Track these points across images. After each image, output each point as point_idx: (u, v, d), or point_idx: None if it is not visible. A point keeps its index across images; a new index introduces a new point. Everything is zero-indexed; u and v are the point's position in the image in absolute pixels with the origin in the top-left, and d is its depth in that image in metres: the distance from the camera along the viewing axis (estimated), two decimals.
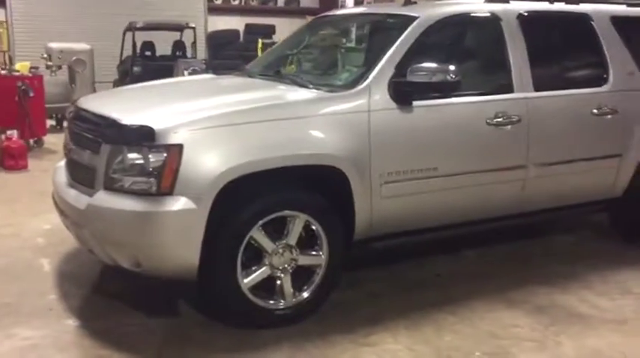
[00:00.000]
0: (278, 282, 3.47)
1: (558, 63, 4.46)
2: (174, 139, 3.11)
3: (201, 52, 13.92)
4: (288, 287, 3.47)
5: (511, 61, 4.11)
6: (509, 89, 4.09)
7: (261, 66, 4.61)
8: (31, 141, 8.49)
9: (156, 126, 3.14)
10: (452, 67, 3.57)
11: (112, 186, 3.23)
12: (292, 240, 3.44)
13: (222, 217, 3.21)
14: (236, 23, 15.06)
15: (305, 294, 3.51)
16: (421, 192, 3.78)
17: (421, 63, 3.64)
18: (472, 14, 4.19)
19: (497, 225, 4.31)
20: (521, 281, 4.16)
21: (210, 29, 15.22)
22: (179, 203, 3.10)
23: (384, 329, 3.48)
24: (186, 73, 10.83)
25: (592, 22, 4.55)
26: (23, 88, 8.43)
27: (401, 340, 3.38)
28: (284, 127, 3.36)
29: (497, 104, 4.00)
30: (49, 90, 9.49)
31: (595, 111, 4.39)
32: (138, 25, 12.42)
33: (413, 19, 3.90)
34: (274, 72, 4.20)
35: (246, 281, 3.34)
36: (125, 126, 3.24)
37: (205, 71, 10.45)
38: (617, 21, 4.62)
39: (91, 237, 3.36)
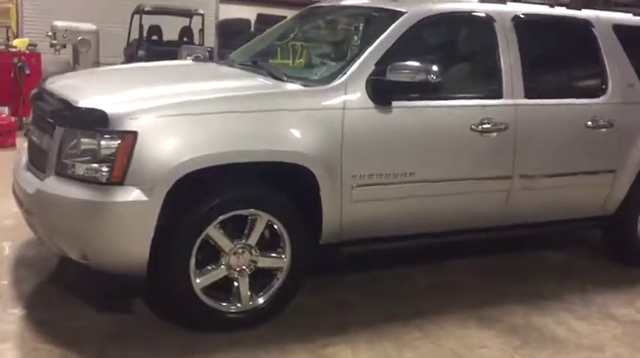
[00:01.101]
0: (235, 284, 3.28)
1: (553, 70, 4.24)
2: (128, 126, 2.93)
3: (210, 40, 13.75)
4: (245, 290, 3.29)
5: (502, 66, 3.89)
6: (498, 94, 3.87)
7: (244, 55, 4.41)
8: (24, 119, 8.36)
9: (110, 110, 2.96)
10: (434, 67, 3.37)
11: (62, 172, 3.05)
12: (252, 240, 3.26)
13: (177, 212, 3.04)
14: (248, 13, 14.87)
15: (261, 299, 3.32)
16: (396, 197, 3.58)
17: (404, 61, 3.44)
18: (464, 13, 3.97)
19: (479, 237, 4.13)
20: (500, 298, 3.96)
21: (221, 17, 15.06)
22: (129, 194, 2.92)
23: (345, 341, 3.28)
24: (188, 59, 10.65)
25: (593, 29, 4.32)
26: (20, 64, 8.34)
27: (359, 354, 3.19)
28: (248, 120, 3.16)
29: (483, 109, 3.78)
30: (49, 69, 9.34)
31: (589, 123, 4.16)
32: (146, 9, 12.27)
33: (400, 14, 3.69)
34: (253, 62, 4.00)
35: (198, 280, 3.16)
36: (79, 109, 3.06)
37: (209, 59, 10.27)
38: (620, 29, 4.39)
39: (38, 225, 3.19)
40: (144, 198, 2.93)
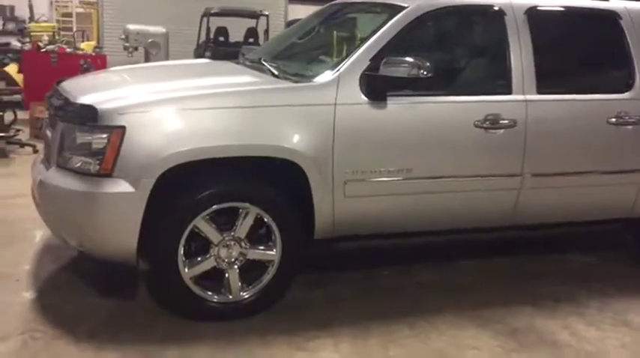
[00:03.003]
0: (226, 275, 3.37)
1: (573, 65, 4.05)
2: (116, 121, 3.07)
3: None
4: (235, 282, 3.36)
5: (512, 60, 3.76)
6: (507, 90, 3.75)
7: (259, 53, 4.49)
8: None
9: (99, 106, 3.11)
10: (426, 62, 3.31)
11: (62, 164, 3.24)
12: (241, 232, 3.33)
13: (165, 204, 3.15)
14: None
15: (251, 291, 3.39)
16: (392, 194, 3.56)
17: (402, 57, 3.40)
18: (470, 7, 3.87)
19: (486, 237, 4.02)
20: (507, 299, 3.84)
21: (290, 18, 15.26)
22: (117, 185, 3.06)
23: (330, 336, 3.30)
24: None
25: (620, 21, 4.09)
26: (85, 66, 8.80)
27: (342, 348, 3.19)
28: (233, 116, 3.23)
29: (488, 105, 3.68)
30: None
31: (613, 119, 3.95)
32: (213, 11, 12.64)
33: (401, 8, 3.65)
34: (259, 60, 4.08)
35: (188, 270, 3.27)
36: (74, 105, 3.24)
37: None
38: None
39: (43, 213, 3.40)
40: (131, 189, 3.06)
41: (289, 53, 4.31)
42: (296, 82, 3.50)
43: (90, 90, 3.43)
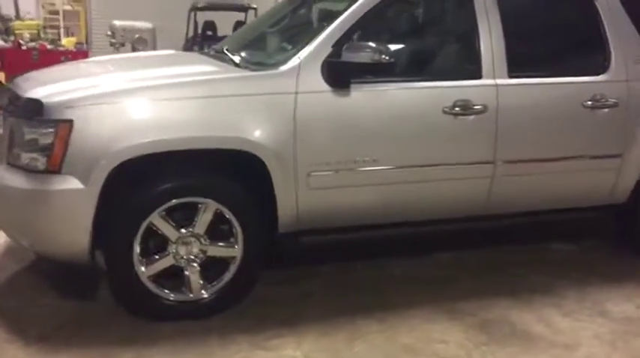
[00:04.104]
0: (187, 273, 3.25)
1: (544, 46, 3.90)
2: (63, 114, 2.95)
3: None
4: (195, 280, 3.25)
5: (481, 44, 3.63)
6: (477, 74, 3.62)
7: (225, 42, 4.36)
8: None
9: (45, 100, 2.99)
10: (387, 47, 3.19)
11: (12, 162, 3.11)
12: (201, 228, 3.21)
13: (118, 200, 3.03)
14: None
15: (211, 290, 3.27)
16: (358, 185, 3.43)
17: (365, 42, 3.27)
18: None
19: (459, 227, 3.89)
20: (483, 291, 3.72)
21: None
22: (65, 182, 2.94)
23: (293, 333, 3.18)
24: None
25: (595, 1, 3.95)
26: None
27: (304, 347, 3.07)
28: (190, 107, 3.10)
29: (457, 91, 3.55)
30: None
31: (588, 103, 3.82)
32: (199, 5, 12.50)
33: None
34: (222, 49, 3.95)
35: (144, 269, 3.15)
36: (21, 99, 3.12)
37: None
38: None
39: None
40: (80, 186, 2.94)
41: (256, 42, 4.19)
42: (255, 70, 3.38)
43: (39, 84, 3.30)
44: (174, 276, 3.27)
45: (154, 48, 12.05)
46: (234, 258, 3.30)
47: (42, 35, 11.30)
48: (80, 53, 9.03)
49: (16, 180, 3.03)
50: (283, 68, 3.29)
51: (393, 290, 3.72)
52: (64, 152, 2.94)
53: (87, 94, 3.05)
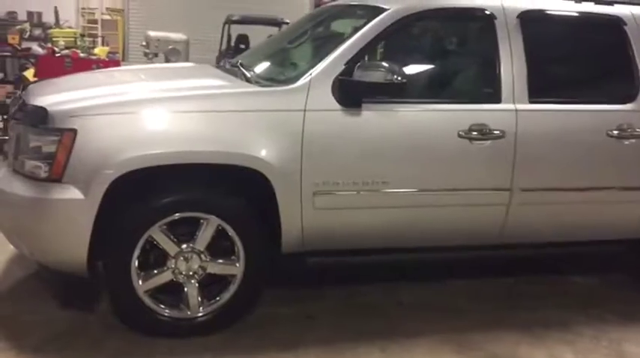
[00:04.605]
0: (185, 290, 3.18)
1: (569, 72, 3.76)
2: (67, 123, 2.92)
3: None
4: (193, 297, 3.17)
5: (501, 68, 3.50)
6: (496, 99, 3.49)
7: (242, 57, 4.32)
8: None
9: (50, 108, 2.96)
10: (400, 67, 3.11)
11: (18, 169, 3.09)
12: (200, 244, 3.14)
13: (117, 213, 2.98)
14: None
15: (208, 308, 3.19)
16: (365, 207, 3.33)
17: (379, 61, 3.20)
18: (457, 10, 3.61)
19: (471, 255, 3.74)
20: (494, 324, 3.57)
21: None
22: (65, 192, 2.90)
23: (293, 356, 3.08)
24: None
25: (625, 27, 3.80)
26: None
27: None
28: (195, 120, 3.05)
29: (474, 115, 3.43)
30: None
31: (614, 132, 3.66)
32: (234, 18, 12.58)
33: (382, 11, 3.43)
34: (237, 64, 3.89)
35: (141, 283, 3.09)
36: (28, 107, 3.11)
37: None
38: None
39: None
40: (80, 196, 2.90)
41: (271, 58, 4.12)
42: (265, 86, 3.31)
43: (48, 92, 3.29)
44: (176, 292, 3.21)
45: (187, 59, 12.15)
46: (234, 276, 3.22)
47: (78, 43, 11.46)
48: (112, 62, 9.10)
49: (19, 187, 3.01)
50: (293, 85, 3.22)
51: (400, 317, 3.59)
52: (66, 161, 2.90)
53: (91, 104, 3.02)
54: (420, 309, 3.71)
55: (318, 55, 3.39)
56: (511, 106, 3.49)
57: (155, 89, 3.32)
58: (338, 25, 3.93)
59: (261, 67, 3.81)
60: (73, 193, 2.90)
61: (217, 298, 3.21)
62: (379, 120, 3.29)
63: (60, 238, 2.97)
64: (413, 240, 3.51)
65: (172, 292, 3.20)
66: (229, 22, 12.65)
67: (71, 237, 2.95)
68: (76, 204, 2.90)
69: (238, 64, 3.84)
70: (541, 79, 3.57)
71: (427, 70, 3.62)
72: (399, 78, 3.09)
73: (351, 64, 3.23)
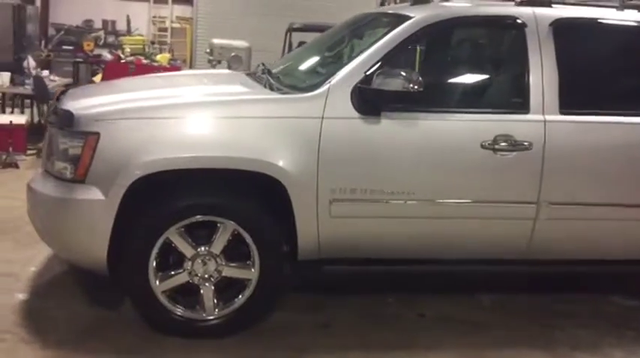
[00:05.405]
0: (201, 291, 3.25)
1: (603, 83, 3.61)
2: (91, 127, 3.05)
3: None
4: (208, 299, 3.23)
5: (530, 77, 3.41)
6: (524, 109, 3.40)
7: (275, 64, 4.38)
8: None
9: (77, 112, 3.10)
10: (417, 76, 3.07)
11: (49, 170, 3.25)
12: (216, 248, 3.20)
13: (136, 214, 3.08)
14: None
15: (222, 312, 3.24)
16: (382, 216, 3.30)
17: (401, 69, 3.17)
18: (486, 18, 3.54)
19: (496, 269, 3.63)
20: (517, 341, 3.47)
21: None
22: (87, 192, 3.02)
23: None
24: None
25: None
26: None
27: None
28: (214, 126, 3.13)
29: (499, 125, 3.35)
30: None
31: None
32: (295, 26, 12.73)
33: (406, 19, 3.41)
34: (264, 71, 3.94)
35: (159, 283, 3.17)
36: (59, 111, 3.26)
37: None
38: None
39: (29, 217, 3.43)
40: (101, 196, 3.01)
41: (299, 65, 4.15)
42: (286, 93, 3.35)
43: (79, 97, 3.44)
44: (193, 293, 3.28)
45: (249, 66, 12.39)
46: (249, 280, 3.26)
47: (146, 50, 11.90)
48: (173, 68, 9.42)
49: (48, 188, 3.16)
50: (312, 92, 3.24)
51: (419, 329, 3.54)
52: (89, 163, 3.03)
53: (116, 109, 3.14)
54: (440, 322, 3.64)
55: (341, 63, 3.39)
56: (539, 117, 3.39)
57: (176, 95, 3.42)
58: (368, 33, 3.91)
59: (287, 75, 3.85)
60: (95, 194, 3.02)
61: (232, 302, 3.25)
62: (398, 128, 3.26)
63: (81, 237, 3.09)
64: (432, 251, 3.46)
65: (189, 293, 3.27)
66: (291, 29, 12.84)
67: (92, 235, 3.07)
68: (96, 204, 3.02)
69: (266, 71, 3.89)
70: (574, 90, 3.45)
71: (450, 78, 3.57)
72: (417, 87, 3.05)
73: (371, 72, 3.22)
